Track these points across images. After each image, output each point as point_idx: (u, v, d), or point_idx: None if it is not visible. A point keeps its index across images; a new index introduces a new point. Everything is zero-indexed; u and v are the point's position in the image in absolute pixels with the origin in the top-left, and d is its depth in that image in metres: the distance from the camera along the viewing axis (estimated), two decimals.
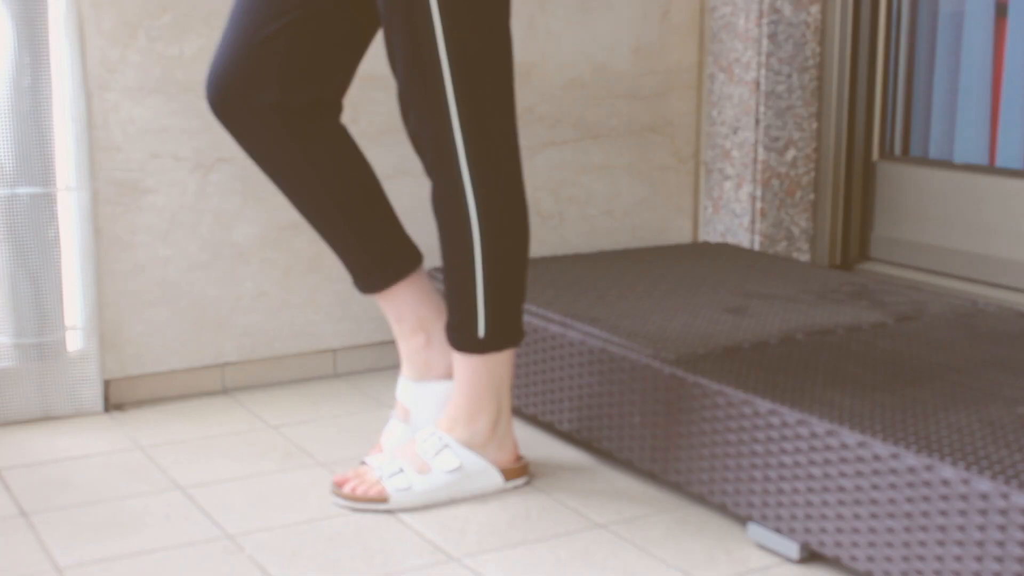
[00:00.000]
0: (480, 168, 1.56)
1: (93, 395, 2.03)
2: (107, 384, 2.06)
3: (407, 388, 1.75)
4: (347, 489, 1.64)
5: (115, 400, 2.08)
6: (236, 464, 1.81)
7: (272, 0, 1.58)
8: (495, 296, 1.62)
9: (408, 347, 1.74)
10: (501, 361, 1.66)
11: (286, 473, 1.77)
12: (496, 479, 1.69)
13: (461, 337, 1.65)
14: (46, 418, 2.00)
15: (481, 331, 1.63)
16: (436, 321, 1.73)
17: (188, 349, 2.11)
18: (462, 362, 1.66)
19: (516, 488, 1.71)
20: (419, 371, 1.74)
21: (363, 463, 1.71)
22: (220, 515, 1.62)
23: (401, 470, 1.64)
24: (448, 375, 1.73)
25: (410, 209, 1.94)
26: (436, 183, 1.60)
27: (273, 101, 1.59)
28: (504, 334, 1.65)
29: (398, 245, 1.71)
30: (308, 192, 1.66)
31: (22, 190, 1.91)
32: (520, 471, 1.72)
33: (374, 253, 1.69)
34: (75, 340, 2.01)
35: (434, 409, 1.73)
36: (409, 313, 1.72)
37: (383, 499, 1.63)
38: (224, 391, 2.16)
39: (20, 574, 1.45)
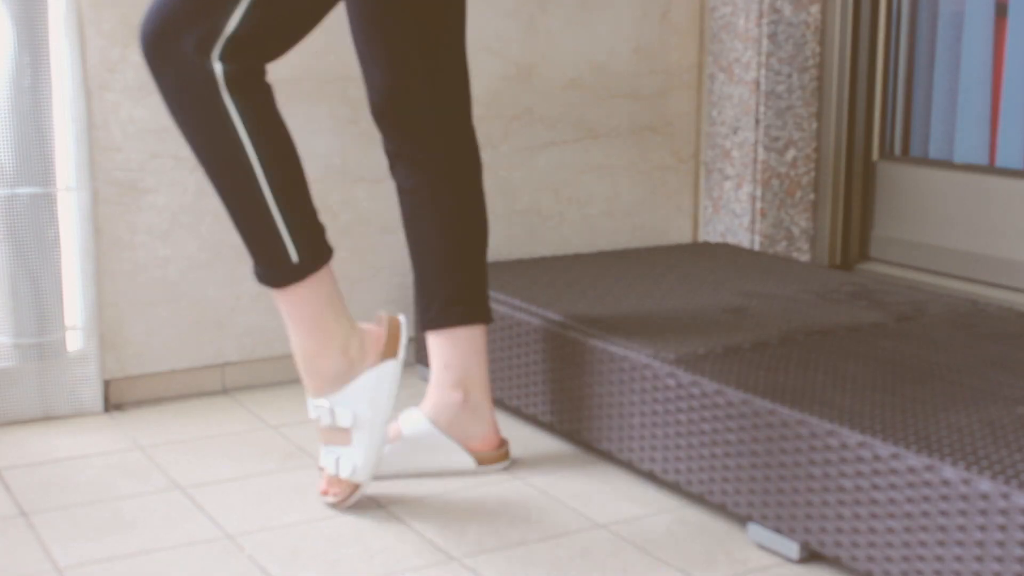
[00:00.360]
0: (468, 152, 1.60)
1: (93, 395, 2.03)
2: (107, 384, 2.06)
3: (324, 406, 1.61)
4: (331, 498, 1.64)
5: (115, 400, 2.08)
6: (236, 464, 1.81)
7: None
8: (293, 217, 1.54)
9: (443, 401, 1.75)
10: (323, 281, 1.58)
11: (286, 473, 1.77)
12: (423, 423, 1.72)
13: (278, 272, 1.55)
14: (46, 418, 2.00)
15: (294, 256, 1.54)
16: (478, 386, 1.75)
17: (188, 349, 2.11)
18: (288, 299, 1.56)
19: (515, 488, 1.71)
20: (329, 382, 1.62)
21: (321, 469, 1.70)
22: (220, 515, 1.62)
23: (338, 456, 1.63)
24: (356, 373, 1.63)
25: None
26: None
27: (215, 62, 1.49)
28: (316, 252, 1.56)
29: (320, 233, 1.59)
30: (227, 164, 1.54)
31: (22, 190, 1.91)
32: (499, 458, 1.72)
33: (296, 238, 1.55)
34: (75, 340, 2.01)
35: (369, 408, 1.62)
36: (458, 365, 1.74)
37: (355, 488, 1.62)
38: (224, 391, 2.16)
39: (20, 574, 1.45)
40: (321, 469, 1.72)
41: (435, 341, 1.76)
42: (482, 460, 1.76)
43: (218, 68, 1.47)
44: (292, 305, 1.57)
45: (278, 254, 1.54)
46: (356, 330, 1.62)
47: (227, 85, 1.48)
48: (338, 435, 1.62)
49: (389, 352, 1.63)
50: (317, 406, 1.61)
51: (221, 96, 1.48)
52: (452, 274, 1.74)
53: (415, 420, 1.76)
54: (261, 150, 1.51)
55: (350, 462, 1.61)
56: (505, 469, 1.78)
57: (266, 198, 1.52)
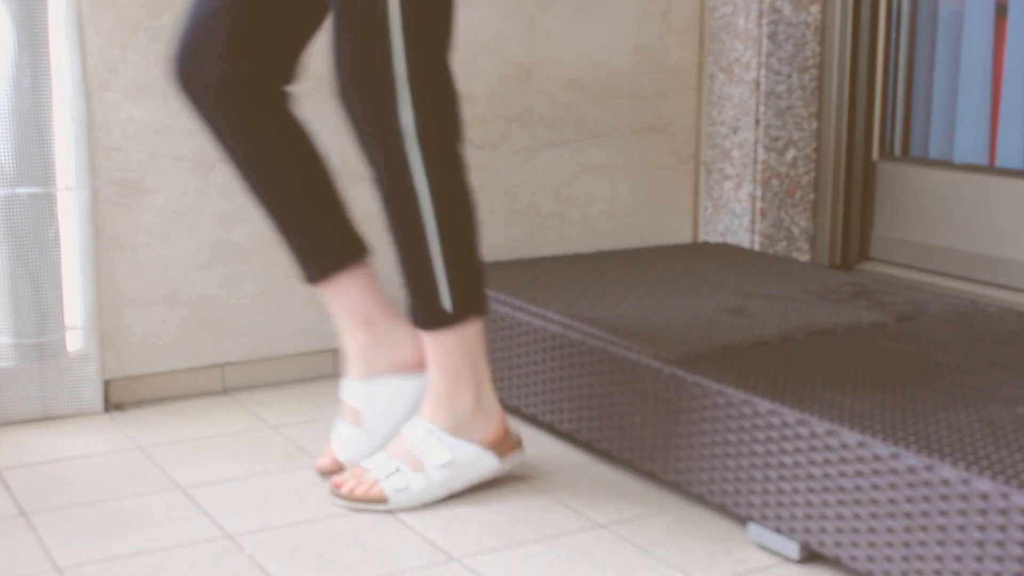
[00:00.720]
0: (428, 137, 1.55)
1: (93, 395, 2.03)
2: (107, 384, 2.06)
3: (355, 389, 1.74)
4: (345, 490, 1.64)
5: (115, 400, 2.08)
6: (236, 464, 1.81)
7: None
8: (455, 267, 1.60)
9: (354, 344, 1.73)
10: (470, 331, 1.64)
11: (286, 473, 1.77)
12: (491, 463, 1.68)
13: (428, 315, 1.62)
14: (46, 418, 2.00)
15: (447, 304, 1.60)
16: (382, 318, 1.72)
17: (188, 349, 2.11)
18: (434, 342, 1.64)
19: (515, 488, 1.71)
20: (366, 370, 1.73)
21: (359, 465, 1.71)
22: (220, 515, 1.62)
23: (397, 470, 1.64)
24: (396, 370, 1.72)
25: None
26: (378, 160, 1.58)
27: (226, 72, 1.59)
28: (470, 303, 1.63)
29: (346, 235, 1.71)
30: (260, 171, 1.65)
31: (22, 190, 1.91)
32: (513, 447, 1.71)
33: (322, 241, 1.68)
34: (75, 340, 2.01)
35: (385, 408, 1.72)
36: (355, 308, 1.71)
37: (382, 500, 1.62)
38: (224, 391, 2.16)
39: (20, 574, 1.45)
40: (323, 474, 1.73)
41: (324, 294, 1.74)
42: (500, 452, 1.72)
43: (219, 70, 1.58)
44: (443, 345, 1.63)
45: (434, 301, 1.61)
46: (491, 394, 1.69)
47: (230, 86, 1.57)
48: (412, 460, 1.64)
49: (511, 447, 1.71)
50: (424, 427, 1.66)
51: (407, 148, 1.57)
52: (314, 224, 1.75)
53: (453, 444, 1.68)
54: (437, 203, 1.58)
55: (406, 482, 1.63)
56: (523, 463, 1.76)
57: (430, 247, 1.59)
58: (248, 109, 1.62)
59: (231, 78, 1.60)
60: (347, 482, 1.65)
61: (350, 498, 1.63)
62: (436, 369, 1.66)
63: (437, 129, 1.56)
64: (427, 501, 1.64)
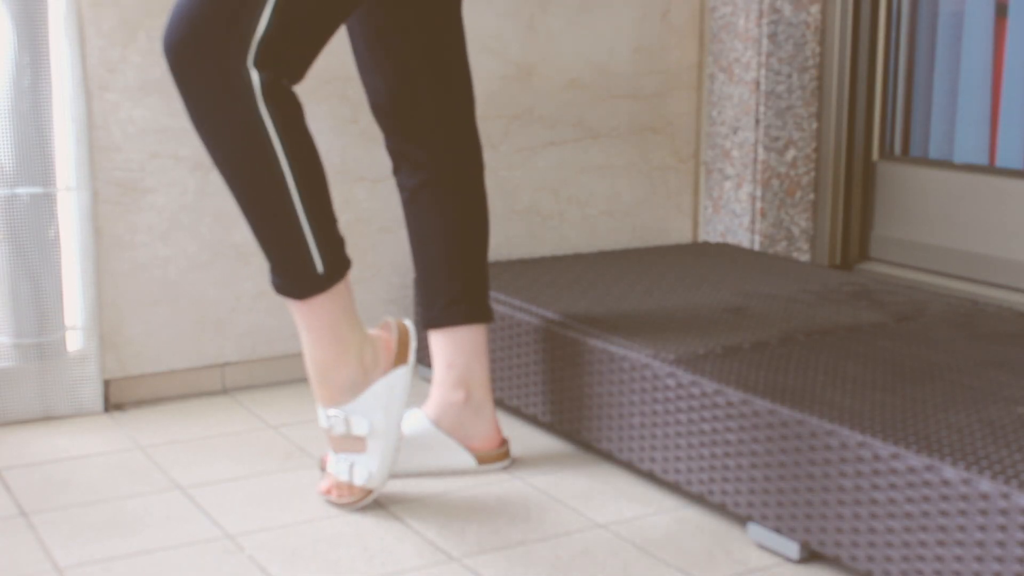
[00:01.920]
0: (274, 96, 1.48)
1: (93, 395, 2.03)
2: (107, 384, 2.06)
3: (339, 415, 1.62)
4: (335, 498, 1.65)
5: (115, 400, 2.08)
6: (236, 464, 1.81)
7: None
8: (320, 227, 1.53)
9: (446, 400, 1.76)
10: (343, 292, 1.57)
11: (286, 473, 1.77)
12: (423, 423, 1.72)
13: (302, 283, 1.54)
14: (46, 418, 2.00)
15: (320, 267, 1.53)
16: (480, 385, 1.76)
17: (188, 349, 2.11)
18: (309, 311, 1.55)
19: (515, 488, 1.71)
20: (347, 391, 1.62)
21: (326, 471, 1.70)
22: (220, 515, 1.62)
23: (352, 463, 1.63)
24: (375, 379, 1.63)
25: None
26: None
27: (248, 72, 1.46)
28: (339, 262, 1.56)
29: (338, 251, 1.57)
30: (253, 175, 1.52)
31: (22, 190, 1.91)
32: (497, 458, 1.73)
33: (322, 249, 1.55)
34: (75, 340, 2.01)
35: (383, 416, 1.62)
36: (461, 364, 1.75)
37: (367, 493, 1.63)
38: (224, 391, 2.16)
39: (20, 574, 1.45)
40: (324, 471, 1.73)
41: (437, 340, 1.76)
42: (483, 459, 1.76)
43: (255, 76, 1.44)
44: (312, 316, 1.56)
45: (303, 265, 1.53)
46: (369, 339, 1.62)
47: (264, 94, 1.45)
48: (353, 443, 1.62)
49: (400, 359, 1.64)
50: (330, 416, 1.61)
51: (258, 105, 1.45)
52: (454, 273, 1.75)
53: (416, 420, 1.76)
54: (294, 161, 1.49)
55: (365, 469, 1.62)
56: (505, 469, 1.78)
57: (296, 209, 1.50)
58: (276, 113, 1.50)
59: (263, 82, 1.49)
60: (333, 491, 1.65)
61: (345, 504, 1.63)
62: (311, 342, 1.57)
63: (282, 90, 1.48)
64: (393, 470, 1.66)
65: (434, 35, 1.69)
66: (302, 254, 1.52)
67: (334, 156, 2.19)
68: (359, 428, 1.60)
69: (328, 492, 1.65)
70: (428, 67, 1.69)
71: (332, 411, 1.61)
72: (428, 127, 1.72)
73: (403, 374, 1.63)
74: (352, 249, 2.22)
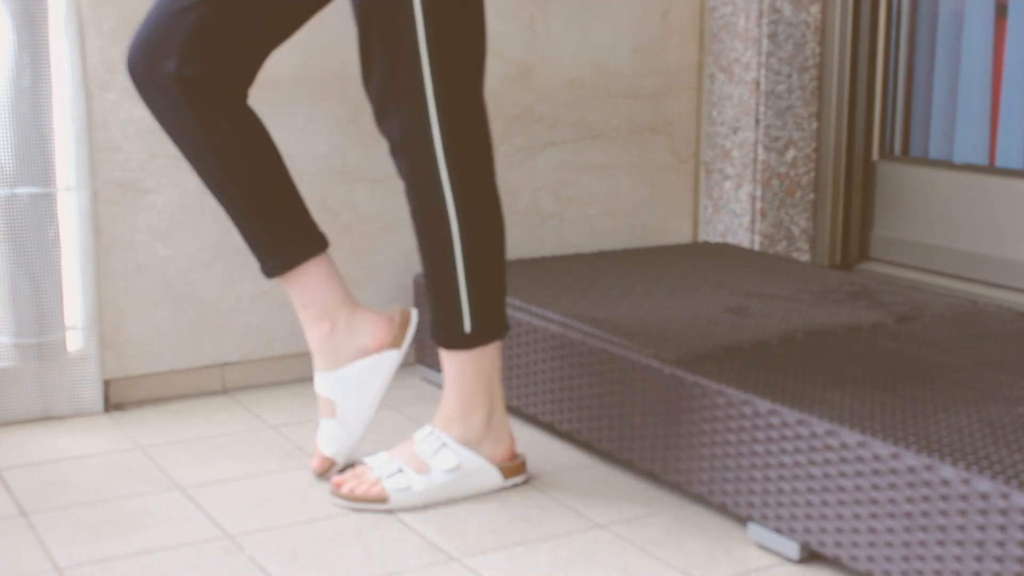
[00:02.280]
0: (457, 161, 1.58)
1: (93, 395, 2.03)
2: (107, 384, 2.06)
3: (323, 380, 1.74)
4: (345, 490, 1.64)
5: (115, 400, 2.08)
6: (236, 464, 1.81)
7: None
8: (478, 290, 1.63)
9: (315, 335, 1.73)
10: (489, 354, 1.66)
11: (286, 473, 1.77)
12: (494, 477, 1.69)
13: (448, 335, 1.65)
14: (46, 418, 2.00)
15: (467, 326, 1.63)
16: (342, 307, 1.72)
17: (188, 349, 2.11)
18: (451, 360, 1.66)
19: (515, 487, 1.71)
20: (330, 360, 1.73)
21: (361, 463, 1.71)
22: (220, 515, 1.62)
23: (400, 470, 1.64)
24: (359, 356, 1.72)
25: None
26: (412, 182, 1.61)
27: (171, 71, 1.59)
28: (490, 327, 1.65)
29: (302, 228, 1.70)
30: (210, 168, 1.65)
31: (22, 190, 1.91)
32: (518, 469, 1.72)
33: (277, 234, 1.67)
34: (75, 340, 2.01)
35: (356, 393, 1.73)
36: (314, 298, 1.71)
37: (383, 499, 1.63)
38: (224, 391, 2.16)
39: (20, 574, 1.45)
40: (318, 469, 1.75)
41: (283, 286, 1.75)
42: (507, 472, 1.73)
43: (170, 69, 1.57)
44: (460, 363, 1.66)
45: (274, 245, 1.67)
46: (501, 411, 1.70)
47: (179, 85, 1.58)
48: (417, 462, 1.66)
49: (394, 342, 1.71)
50: (436, 434, 1.68)
51: (176, 98, 1.59)
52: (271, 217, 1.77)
53: (460, 452, 1.68)
54: (220, 152, 1.63)
55: (408, 482, 1.65)
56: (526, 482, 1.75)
57: (457, 271, 1.62)
58: (193, 109, 1.61)
59: (176, 78, 1.59)
60: (347, 482, 1.65)
61: (350, 497, 1.63)
62: (452, 387, 1.67)
63: (465, 150, 1.58)
64: (427, 503, 1.65)
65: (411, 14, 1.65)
66: (272, 238, 1.66)
67: (334, 156, 2.19)
68: (445, 459, 1.66)
69: (340, 484, 1.67)
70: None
71: (440, 433, 1.68)
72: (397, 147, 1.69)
73: (392, 357, 1.71)
74: (352, 249, 2.22)
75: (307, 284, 1.70)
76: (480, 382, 1.66)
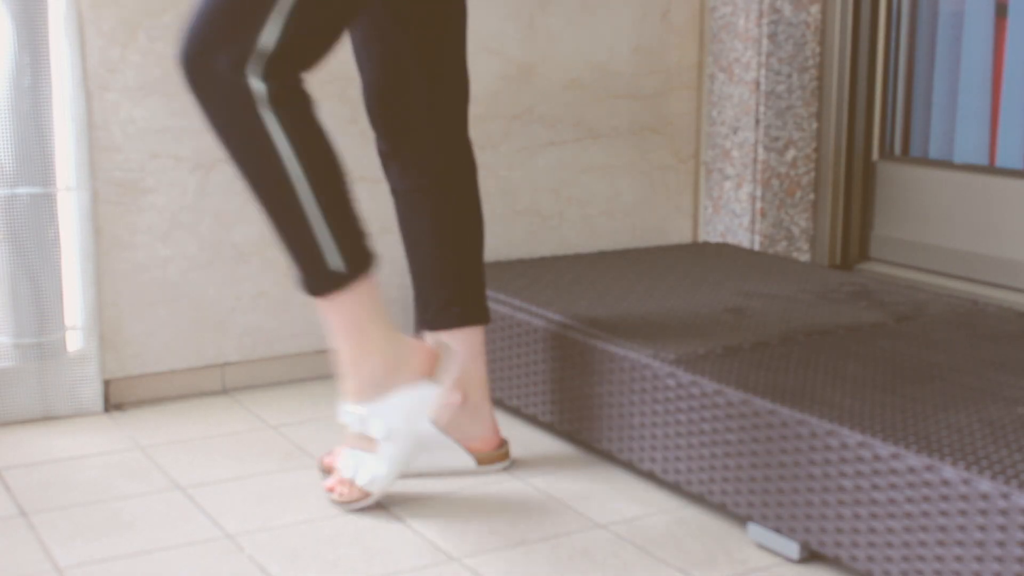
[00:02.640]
0: (279, 101, 1.50)
1: (93, 395, 2.03)
2: (107, 384, 2.06)
3: (361, 414, 1.63)
4: (336, 496, 1.65)
5: (115, 400, 2.08)
6: (236, 464, 1.81)
7: None
8: (337, 224, 1.55)
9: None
10: (367, 289, 1.59)
11: (286, 473, 1.77)
12: (428, 432, 1.68)
13: (320, 281, 1.56)
14: (46, 418, 2.00)
15: (338, 264, 1.55)
16: (477, 387, 1.74)
17: (188, 349, 2.11)
18: (331, 308, 1.57)
19: (514, 487, 1.71)
20: (373, 392, 1.63)
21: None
22: (220, 515, 1.62)
23: (359, 461, 1.63)
24: (404, 384, 1.64)
25: None
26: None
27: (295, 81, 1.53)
28: (361, 258, 1.58)
29: (359, 246, 1.59)
30: (280, 175, 1.54)
31: (22, 190, 1.91)
32: (496, 459, 1.72)
33: (341, 247, 1.56)
34: (75, 340, 2.01)
35: (401, 425, 1.64)
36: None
37: (366, 495, 1.63)
38: (224, 391, 2.16)
39: (20, 574, 1.45)
40: (324, 472, 1.73)
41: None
42: (482, 460, 1.76)
43: (258, 86, 1.46)
44: (335, 313, 1.58)
45: (321, 263, 1.54)
46: (397, 338, 1.62)
47: (270, 103, 1.47)
48: (366, 442, 1.63)
49: (434, 373, 1.66)
50: (350, 412, 1.62)
51: (260, 113, 1.47)
52: (449, 275, 1.74)
53: (380, 411, 1.73)
54: (307, 162, 1.51)
55: (370, 472, 1.62)
56: (505, 469, 1.78)
57: (307, 211, 1.52)
58: (284, 119, 1.52)
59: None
60: (336, 487, 1.65)
61: (342, 502, 1.64)
62: (340, 337, 1.59)
63: (289, 93, 1.50)
64: (399, 476, 1.64)
65: (430, 29, 1.67)
66: (319, 252, 1.54)
67: None
68: (376, 431, 1.61)
69: (331, 489, 1.65)
70: (420, 63, 1.67)
71: (353, 407, 1.61)
72: (417, 126, 1.71)
73: (432, 390, 1.64)
74: None
75: (347, 307, 1.59)
76: (367, 318, 1.58)
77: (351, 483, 1.63)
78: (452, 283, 1.74)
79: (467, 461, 1.75)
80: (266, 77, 1.46)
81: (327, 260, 1.54)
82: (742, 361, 1.64)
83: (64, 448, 1.87)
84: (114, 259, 2.03)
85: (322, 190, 1.52)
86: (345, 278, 1.55)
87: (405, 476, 1.73)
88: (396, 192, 1.76)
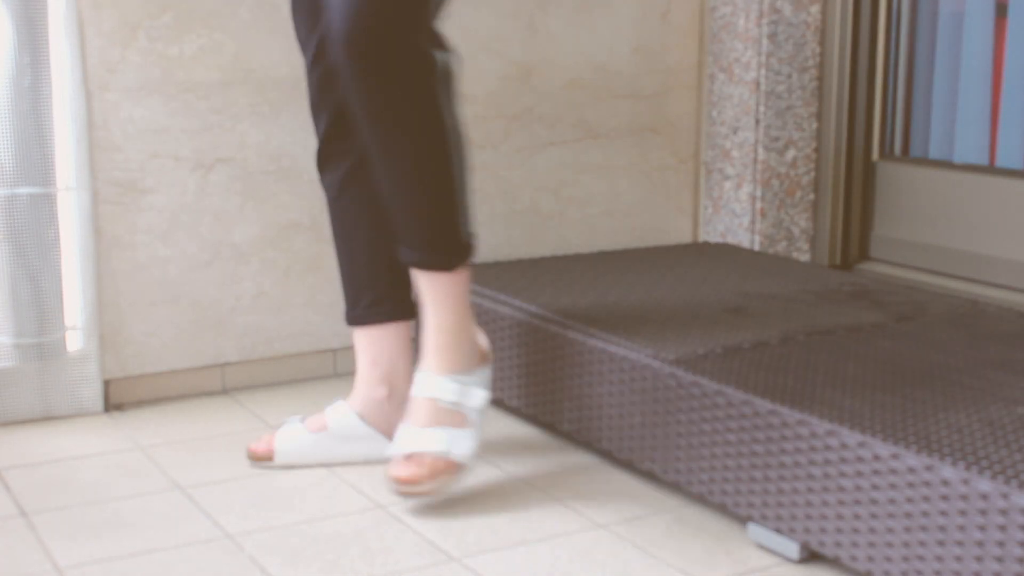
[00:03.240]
0: (447, 80, 1.60)
1: (93, 395, 2.03)
2: (107, 384, 2.06)
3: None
4: (410, 476, 1.59)
5: (115, 400, 2.08)
6: (236, 464, 1.81)
7: None
8: (466, 205, 1.64)
9: (370, 395, 1.77)
10: (464, 273, 1.66)
11: (286, 473, 1.77)
12: (350, 416, 1.77)
13: (451, 255, 1.63)
14: (46, 418, 2.00)
15: (467, 238, 1.64)
16: (403, 380, 1.76)
17: (188, 349, 2.11)
18: (448, 281, 1.63)
19: (516, 487, 1.71)
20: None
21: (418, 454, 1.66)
22: (220, 515, 1.62)
23: (452, 436, 1.63)
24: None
25: None
26: (404, 101, 1.56)
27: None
28: (472, 236, 1.66)
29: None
30: (442, 143, 1.62)
31: (22, 190, 1.91)
32: (483, 360, 1.74)
33: (468, 218, 1.66)
34: (75, 340, 2.01)
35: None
36: (385, 360, 1.76)
37: (454, 469, 1.63)
38: (224, 391, 2.16)
39: (20, 574, 1.45)
40: (253, 455, 1.79)
41: (361, 337, 1.78)
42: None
43: (435, 56, 1.54)
44: (453, 284, 1.64)
45: (456, 236, 1.62)
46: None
47: (440, 71, 1.56)
48: (455, 417, 1.64)
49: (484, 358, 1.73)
50: (445, 386, 1.64)
51: (435, 83, 1.55)
52: (378, 271, 1.77)
53: (342, 412, 1.79)
54: (454, 135, 1.59)
55: (466, 443, 1.64)
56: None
57: (456, 181, 1.60)
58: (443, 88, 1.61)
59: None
60: (408, 471, 1.60)
61: (422, 485, 1.60)
62: (446, 310, 1.64)
63: (450, 76, 1.59)
64: (309, 459, 1.76)
65: None
66: (458, 224, 1.62)
67: None
68: (475, 401, 1.65)
69: (403, 480, 1.59)
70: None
71: (451, 381, 1.64)
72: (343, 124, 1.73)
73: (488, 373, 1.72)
74: None
75: (385, 344, 1.76)
76: (467, 293, 1.66)
77: (445, 460, 1.61)
78: (381, 279, 1.77)
79: (388, 451, 1.74)
80: (434, 46, 1.54)
81: (462, 231, 1.63)
82: (742, 361, 1.64)
83: (64, 448, 1.87)
84: (114, 259, 2.03)
85: (462, 164, 1.61)
86: (471, 249, 1.64)
87: (330, 465, 1.78)
88: (331, 188, 1.79)
